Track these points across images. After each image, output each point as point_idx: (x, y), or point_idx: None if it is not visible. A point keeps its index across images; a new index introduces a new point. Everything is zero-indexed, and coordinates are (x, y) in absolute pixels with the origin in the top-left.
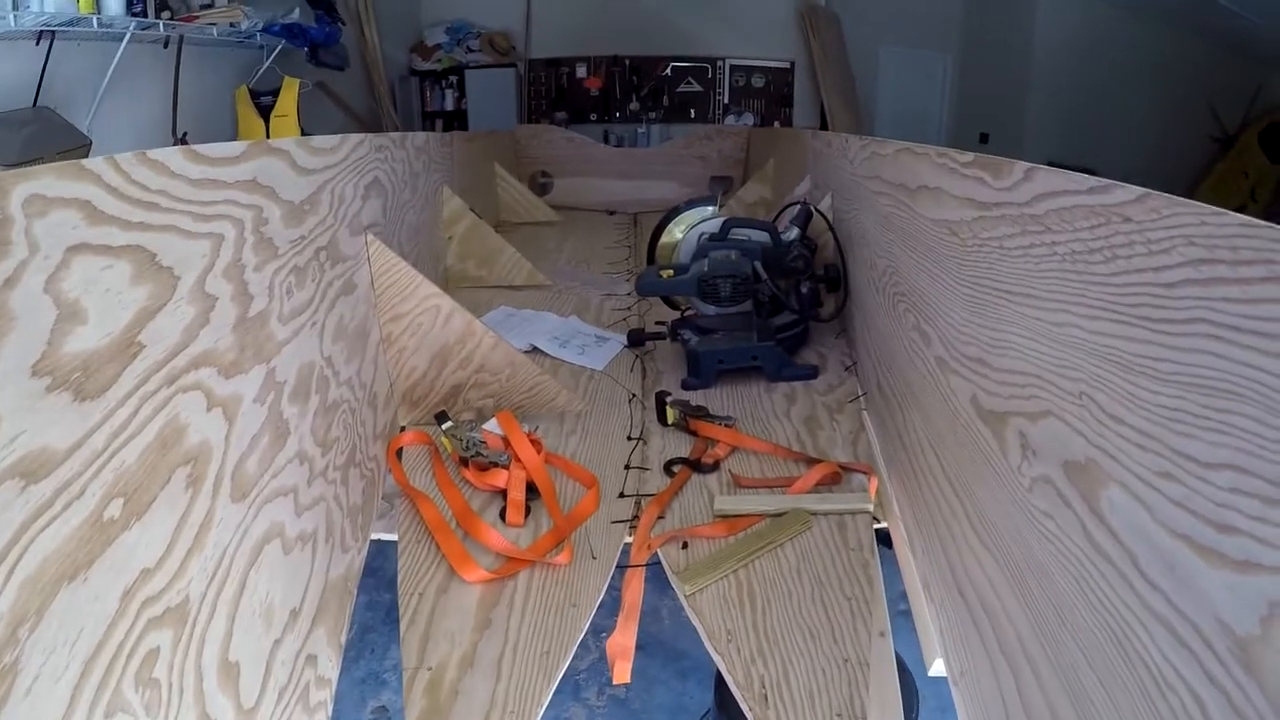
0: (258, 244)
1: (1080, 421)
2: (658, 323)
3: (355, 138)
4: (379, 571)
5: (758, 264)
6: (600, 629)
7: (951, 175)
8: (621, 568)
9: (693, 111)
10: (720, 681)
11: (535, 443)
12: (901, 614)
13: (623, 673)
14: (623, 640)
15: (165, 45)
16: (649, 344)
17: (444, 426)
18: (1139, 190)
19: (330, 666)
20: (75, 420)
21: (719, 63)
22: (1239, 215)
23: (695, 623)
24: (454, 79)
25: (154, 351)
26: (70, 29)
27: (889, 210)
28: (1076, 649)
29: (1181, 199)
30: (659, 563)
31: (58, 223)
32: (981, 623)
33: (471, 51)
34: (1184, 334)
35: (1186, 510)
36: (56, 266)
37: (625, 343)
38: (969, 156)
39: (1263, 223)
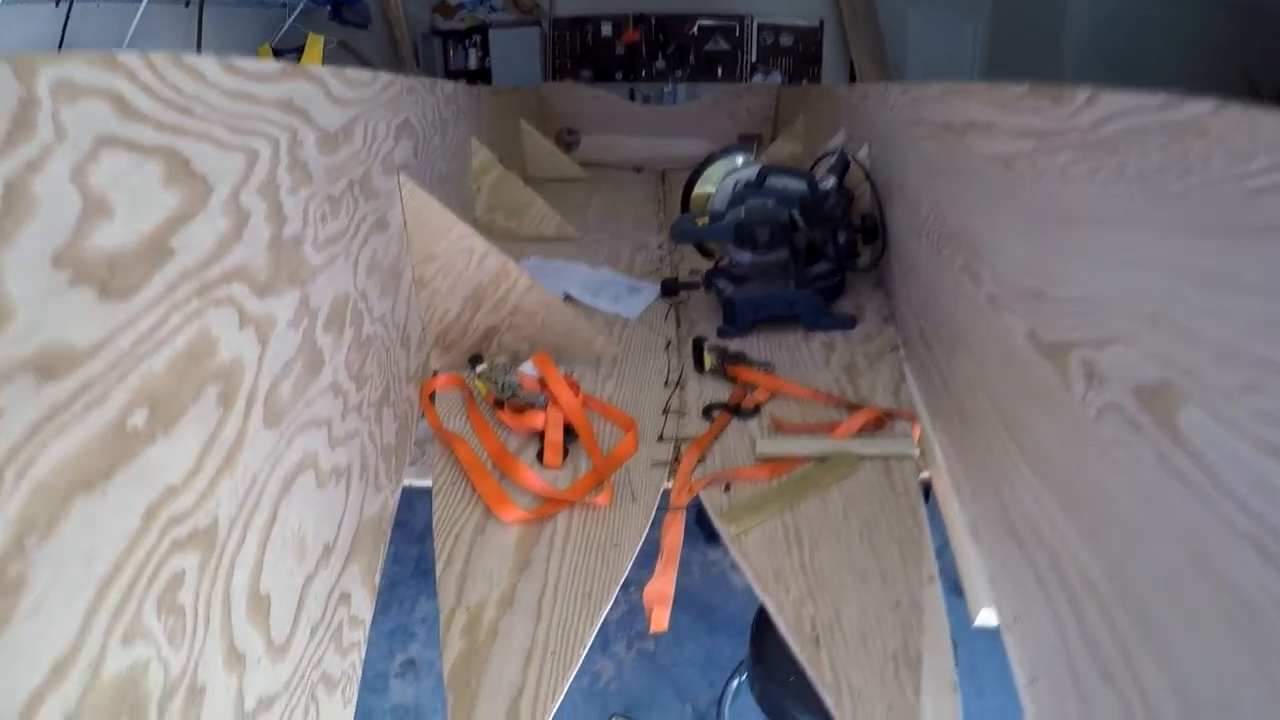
0: (292, 166)
1: (1153, 343)
2: (691, 272)
3: (387, 76)
4: (407, 524)
5: (795, 212)
6: (631, 582)
7: (1005, 110)
8: (663, 509)
9: (720, 70)
10: (757, 632)
11: (572, 385)
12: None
13: (660, 620)
14: (661, 586)
15: (186, 4)
16: (683, 293)
17: (478, 369)
18: (1214, 101)
19: (364, 607)
20: (99, 319)
21: (747, 21)
22: None
23: (741, 564)
24: (477, 38)
25: (185, 259)
26: None
27: (934, 153)
28: (1151, 579)
29: (1261, 107)
30: (700, 505)
31: (87, 112)
32: (1039, 563)
33: (495, 10)
34: (1270, 242)
35: (1275, 422)
36: (84, 157)
37: (659, 292)
38: (1023, 88)
39: None
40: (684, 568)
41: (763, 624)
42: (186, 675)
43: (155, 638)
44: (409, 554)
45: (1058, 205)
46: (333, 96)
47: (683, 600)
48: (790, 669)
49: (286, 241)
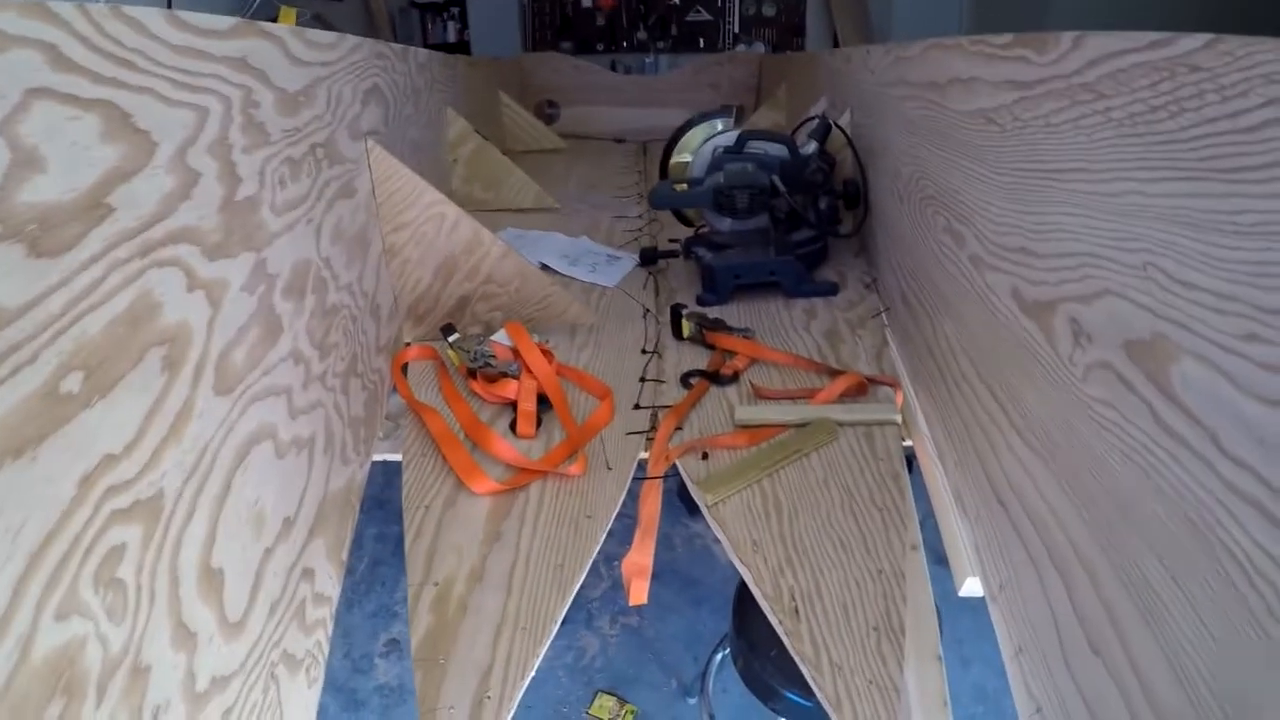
0: (247, 125)
1: (1144, 295)
2: (671, 240)
3: (353, 39)
4: (388, 504)
5: (775, 177)
6: (613, 556)
7: (988, 61)
8: (639, 479)
9: (702, 41)
10: (739, 604)
11: (546, 353)
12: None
13: (639, 593)
14: (639, 559)
15: None
16: (662, 262)
17: (450, 339)
18: (1207, 36)
19: (330, 584)
20: (28, 277)
21: None
22: None
23: (719, 533)
24: (456, 10)
25: (125, 217)
26: None
27: (916, 113)
28: (1142, 544)
29: (1256, 38)
30: (678, 474)
31: (16, 62)
32: (1026, 531)
33: None
34: (1268, 179)
35: (1279, 372)
36: (13, 108)
37: (637, 261)
38: (1007, 37)
39: None
40: (666, 541)
41: (744, 597)
42: (129, 653)
43: (93, 613)
44: (391, 533)
45: (1041, 157)
46: (292, 56)
47: (666, 574)
48: (772, 643)
49: (240, 204)
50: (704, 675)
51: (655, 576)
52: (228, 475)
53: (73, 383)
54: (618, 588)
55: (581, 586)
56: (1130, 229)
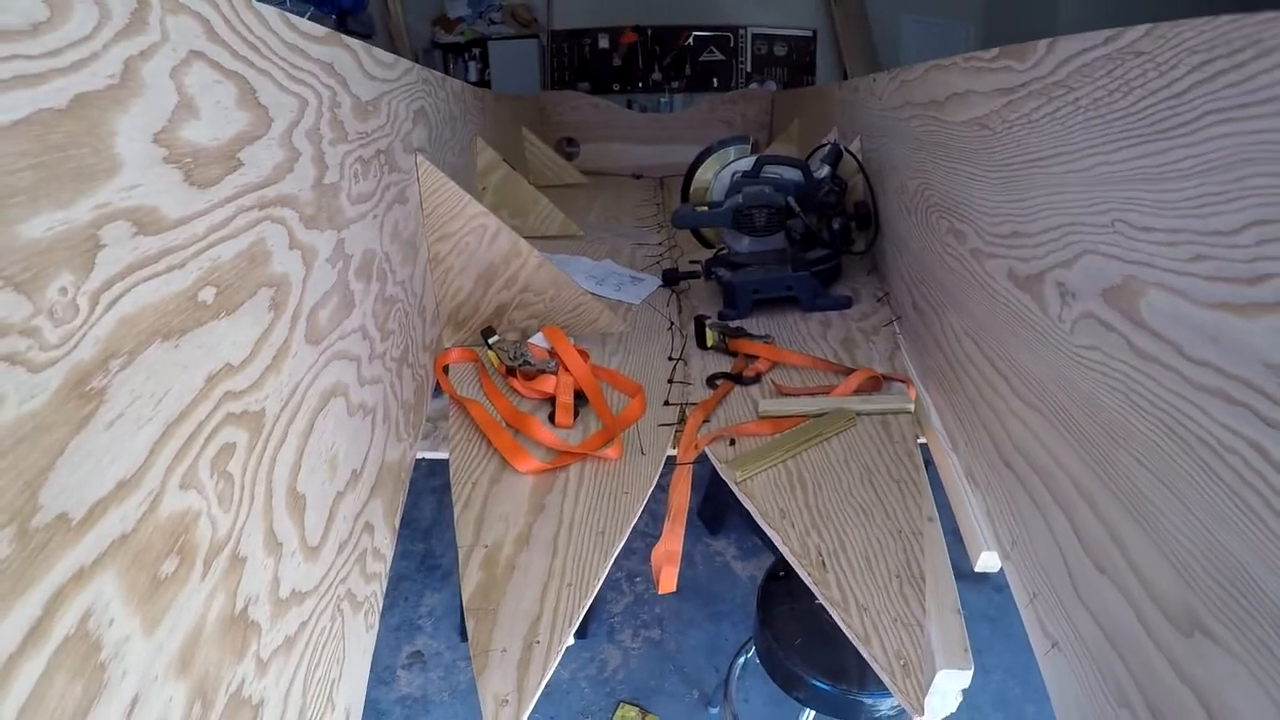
0: (332, 122)
1: (1114, 246)
2: (691, 262)
3: (407, 63)
4: (412, 523)
5: (790, 199)
6: (635, 574)
7: (979, 74)
8: (671, 464)
9: (715, 80)
10: (763, 600)
11: (582, 353)
12: None
13: (669, 580)
14: (670, 546)
15: None
16: (683, 283)
17: (490, 341)
18: (1147, 26)
19: (386, 544)
20: (183, 198)
21: (740, 31)
22: (1227, 14)
23: (748, 505)
24: (477, 51)
25: (249, 173)
26: None
27: (919, 130)
28: (1132, 461)
29: (1184, 20)
30: (704, 501)
31: (184, 25)
32: (1031, 483)
33: (494, 24)
34: (1197, 129)
35: (1221, 280)
36: (181, 61)
37: (660, 282)
38: (994, 51)
39: (1247, 15)
40: (688, 559)
41: (768, 593)
42: (232, 540)
43: (207, 494)
44: (415, 550)
45: (1026, 151)
46: (365, 70)
47: (687, 590)
48: (796, 634)
49: (327, 187)
50: (726, 681)
51: (677, 592)
52: (312, 416)
53: (208, 294)
54: (640, 602)
55: (604, 601)
56: (1100, 194)
